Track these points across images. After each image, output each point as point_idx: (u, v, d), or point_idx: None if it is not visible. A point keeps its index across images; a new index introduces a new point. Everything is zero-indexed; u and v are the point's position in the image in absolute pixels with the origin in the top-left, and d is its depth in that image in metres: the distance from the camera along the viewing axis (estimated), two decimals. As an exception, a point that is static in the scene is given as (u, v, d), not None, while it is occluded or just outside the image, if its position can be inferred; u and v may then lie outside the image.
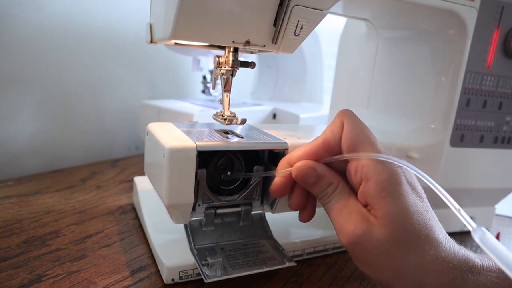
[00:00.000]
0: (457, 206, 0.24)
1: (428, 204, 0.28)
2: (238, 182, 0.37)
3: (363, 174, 0.27)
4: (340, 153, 0.29)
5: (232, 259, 0.34)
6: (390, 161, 0.27)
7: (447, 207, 0.24)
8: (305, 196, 0.31)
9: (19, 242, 0.39)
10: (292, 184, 0.31)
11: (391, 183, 0.27)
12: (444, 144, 0.45)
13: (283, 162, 0.31)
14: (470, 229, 0.23)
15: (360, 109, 0.56)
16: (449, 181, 0.46)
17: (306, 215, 0.32)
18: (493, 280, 0.27)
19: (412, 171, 0.26)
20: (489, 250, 0.22)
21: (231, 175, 0.35)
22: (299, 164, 0.30)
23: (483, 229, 0.23)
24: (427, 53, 0.47)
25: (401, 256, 0.26)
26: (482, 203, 0.53)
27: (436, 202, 0.28)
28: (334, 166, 0.30)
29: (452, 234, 0.29)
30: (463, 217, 0.23)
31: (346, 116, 0.30)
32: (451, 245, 0.27)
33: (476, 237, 0.23)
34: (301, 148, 0.31)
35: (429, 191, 0.26)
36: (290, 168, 0.30)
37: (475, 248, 0.47)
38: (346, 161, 0.30)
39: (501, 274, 0.27)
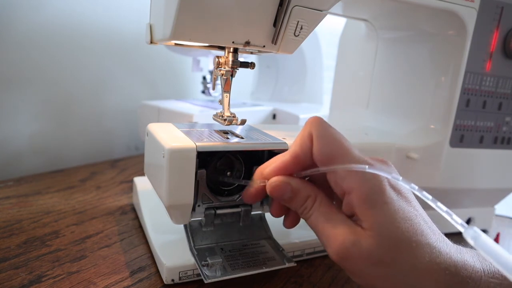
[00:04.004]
0: (444, 208, 0.23)
1: (418, 207, 0.27)
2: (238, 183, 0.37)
3: (343, 186, 0.26)
4: (314, 164, 0.28)
5: (232, 260, 0.34)
6: (365, 170, 0.25)
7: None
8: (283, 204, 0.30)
9: (19, 243, 0.39)
10: (264, 192, 0.30)
11: (374, 193, 0.25)
12: (443, 145, 0.45)
13: (258, 172, 0.30)
14: (461, 229, 0.22)
15: (360, 109, 0.56)
16: (448, 182, 0.46)
17: (290, 221, 0.32)
18: None
19: (389, 177, 0.25)
20: (484, 251, 0.21)
21: (222, 178, 0.35)
22: (272, 180, 0.29)
23: (475, 228, 0.22)
24: (426, 54, 0.47)
25: (393, 265, 0.25)
26: (482, 203, 0.53)
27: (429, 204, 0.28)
28: (314, 177, 0.29)
29: (449, 235, 0.28)
30: (452, 218, 0.22)
31: (314, 126, 0.28)
32: (446, 248, 0.26)
33: (468, 238, 0.22)
34: (272, 162, 0.30)
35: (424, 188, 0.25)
36: (266, 180, 0.29)
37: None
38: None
39: (504, 280, 0.26)
